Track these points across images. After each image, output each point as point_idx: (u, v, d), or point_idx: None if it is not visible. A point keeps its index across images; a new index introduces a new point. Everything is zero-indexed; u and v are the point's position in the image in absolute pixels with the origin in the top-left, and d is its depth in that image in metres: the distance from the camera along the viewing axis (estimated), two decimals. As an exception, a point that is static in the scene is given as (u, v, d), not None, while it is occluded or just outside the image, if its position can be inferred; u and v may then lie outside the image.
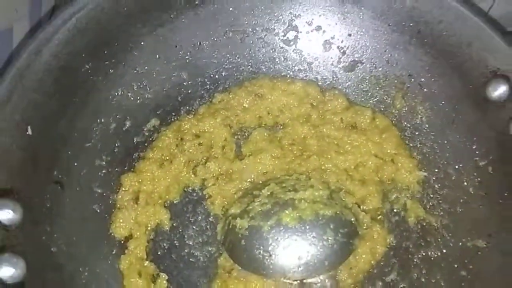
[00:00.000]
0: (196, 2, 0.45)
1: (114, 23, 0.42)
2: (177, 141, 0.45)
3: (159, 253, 0.42)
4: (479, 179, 0.42)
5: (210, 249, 0.42)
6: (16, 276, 0.33)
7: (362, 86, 0.47)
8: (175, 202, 0.44)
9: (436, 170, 0.44)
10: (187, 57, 0.46)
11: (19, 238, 0.34)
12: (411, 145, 0.45)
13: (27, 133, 0.37)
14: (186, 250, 0.42)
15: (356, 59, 0.47)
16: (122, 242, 0.41)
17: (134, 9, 0.42)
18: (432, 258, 0.41)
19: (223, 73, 0.47)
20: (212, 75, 0.47)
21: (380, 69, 0.47)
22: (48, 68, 0.38)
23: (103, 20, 0.41)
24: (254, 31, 0.47)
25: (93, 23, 0.40)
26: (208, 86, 0.47)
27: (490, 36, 0.40)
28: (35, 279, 0.34)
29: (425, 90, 0.45)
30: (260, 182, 0.43)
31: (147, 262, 0.41)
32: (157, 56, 0.45)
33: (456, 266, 0.40)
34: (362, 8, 0.45)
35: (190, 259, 0.42)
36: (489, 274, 0.39)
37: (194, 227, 0.43)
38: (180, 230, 0.43)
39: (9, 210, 0.34)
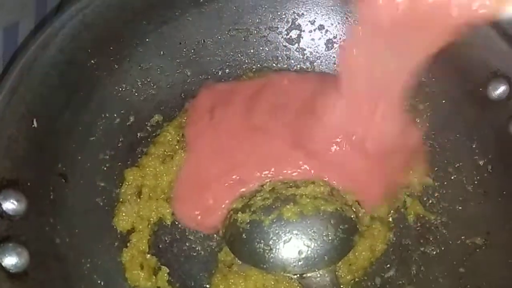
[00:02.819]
0: (201, 0, 0.45)
1: (120, 20, 0.42)
2: (179, 137, 0.45)
3: (160, 246, 0.42)
4: (478, 177, 0.42)
5: (210, 243, 0.43)
6: (20, 266, 0.33)
7: (363, 85, 0.48)
8: (177, 197, 0.44)
9: (436, 168, 0.44)
10: (191, 54, 0.47)
11: (23, 228, 0.35)
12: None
13: (33, 125, 0.37)
14: (187, 244, 0.43)
15: (358, 58, 0.48)
16: (125, 235, 0.42)
17: (140, 6, 0.43)
18: (431, 255, 0.42)
19: (226, 71, 0.48)
20: (215, 72, 0.48)
21: (381, 68, 0.47)
22: (54, 62, 0.39)
23: (109, 16, 0.42)
24: (258, 30, 0.48)
25: (100, 20, 0.41)
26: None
27: (491, 36, 0.41)
28: (38, 269, 0.34)
29: (426, 89, 0.45)
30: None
31: (148, 255, 0.41)
32: (162, 53, 0.46)
33: (454, 263, 0.41)
34: (365, 8, 0.46)
35: (191, 253, 0.42)
36: (487, 271, 0.39)
37: (195, 222, 0.44)
38: (182, 225, 0.43)
39: (14, 201, 0.34)
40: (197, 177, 0.42)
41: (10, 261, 0.33)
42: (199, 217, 0.42)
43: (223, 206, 0.41)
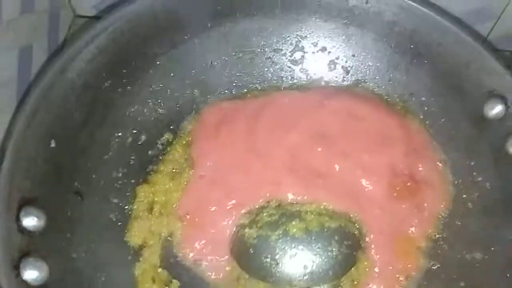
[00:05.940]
0: (209, 25, 0.47)
1: (132, 45, 0.44)
2: (186, 155, 0.47)
3: (171, 260, 0.44)
4: (477, 194, 0.43)
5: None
6: (40, 279, 0.35)
7: (365, 105, 0.49)
8: (187, 212, 0.46)
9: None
10: (199, 75, 0.49)
11: (42, 244, 0.36)
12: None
13: (51, 145, 0.39)
14: (196, 258, 0.44)
15: (360, 78, 0.49)
16: (137, 249, 0.43)
17: (150, 32, 0.45)
18: (431, 270, 0.42)
19: (233, 91, 0.50)
20: (222, 92, 0.49)
21: (382, 87, 0.49)
22: (71, 86, 0.41)
23: (122, 42, 0.44)
24: (263, 52, 0.49)
25: (113, 45, 0.43)
26: (219, 103, 0.49)
27: (487, 58, 0.42)
28: (57, 283, 0.36)
29: (425, 108, 0.47)
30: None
31: (160, 269, 0.43)
32: (171, 75, 0.48)
33: (454, 277, 0.42)
34: (366, 31, 0.47)
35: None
36: (486, 285, 0.40)
37: (204, 237, 0.45)
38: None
39: (34, 217, 0.36)
40: (198, 204, 0.43)
41: (31, 275, 0.34)
42: (203, 250, 0.42)
43: (227, 232, 0.42)
